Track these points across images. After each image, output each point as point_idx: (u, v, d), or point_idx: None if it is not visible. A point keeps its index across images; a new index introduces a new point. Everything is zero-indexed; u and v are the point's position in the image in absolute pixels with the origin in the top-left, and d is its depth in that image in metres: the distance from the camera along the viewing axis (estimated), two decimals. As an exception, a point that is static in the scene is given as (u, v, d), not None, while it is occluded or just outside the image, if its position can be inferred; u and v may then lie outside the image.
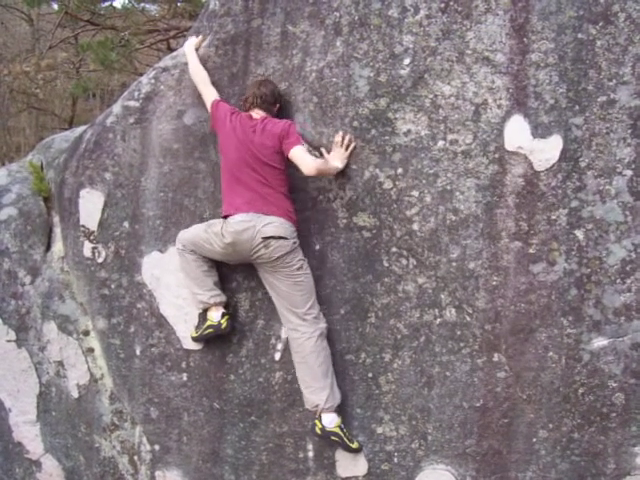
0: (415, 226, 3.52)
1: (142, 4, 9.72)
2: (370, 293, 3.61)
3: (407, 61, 3.53)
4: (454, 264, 3.47)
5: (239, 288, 3.82)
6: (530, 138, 3.38)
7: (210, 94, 3.75)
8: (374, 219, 3.59)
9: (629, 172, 3.29)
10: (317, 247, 3.70)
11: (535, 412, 3.39)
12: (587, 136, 3.33)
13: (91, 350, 4.22)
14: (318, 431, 3.54)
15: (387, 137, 3.56)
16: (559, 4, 3.34)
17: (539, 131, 3.37)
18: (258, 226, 3.45)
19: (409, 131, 3.53)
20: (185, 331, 3.91)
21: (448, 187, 3.48)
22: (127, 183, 4.02)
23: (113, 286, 4.06)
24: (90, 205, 4.10)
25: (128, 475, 4.15)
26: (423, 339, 3.54)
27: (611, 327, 3.30)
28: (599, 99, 3.31)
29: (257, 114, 3.63)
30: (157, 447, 4.01)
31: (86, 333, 4.23)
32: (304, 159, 3.47)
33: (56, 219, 4.39)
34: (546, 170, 3.37)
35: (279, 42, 3.76)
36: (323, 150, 3.63)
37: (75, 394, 4.22)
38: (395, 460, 3.59)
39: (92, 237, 4.10)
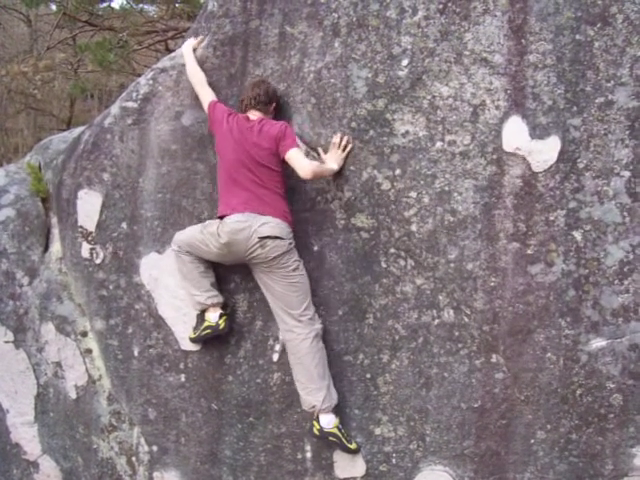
0: (413, 227, 3.53)
1: (140, 5, 9.72)
2: (368, 294, 3.61)
3: (405, 62, 3.53)
4: (452, 265, 3.47)
5: (237, 289, 3.82)
6: (528, 139, 3.38)
7: (207, 95, 3.76)
8: (372, 220, 3.59)
9: (627, 173, 3.29)
10: (315, 248, 3.70)
11: (533, 413, 3.40)
12: (585, 137, 3.33)
13: (89, 351, 4.22)
14: (316, 432, 3.54)
15: (385, 138, 3.56)
16: (557, 5, 3.35)
17: (537, 132, 3.37)
18: (254, 226, 3.46)
19: (407, 132, 3.53)
20: (183, 332, 3.91)
21: (446, 188, 3.48)
22: (125, 184, 4.02)
23: (111, 287, 4.06)
24: (88, 206, 4.10)
25: (126, 476, 4.15)
26: (421, 340, 3.54)
27: (609, 328, 3.31)
28: (597, 100, 3.31)
29: (254, 115, 3.64)
30: (155, 448, 4.01)
31: (84, 334, 4.23)
32: (300, 162, 3.47)
33: (54, 220, 4.38)
34: (544, 171, 3.37)
35: (277, 43, 3.76)
36: (320, 150, 3.64)
37: (73, 395, 4.22)
38: (393, 461, 3.59)
39: (90, 238, 4.09)
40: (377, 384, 3.61)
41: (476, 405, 3.46)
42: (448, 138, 3.48)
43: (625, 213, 3.29)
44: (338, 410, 3.59)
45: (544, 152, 3.36)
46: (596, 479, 3.35)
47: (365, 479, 3.65)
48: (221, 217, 3.58)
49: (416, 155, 3.52)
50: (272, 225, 3.47)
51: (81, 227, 4.12)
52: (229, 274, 3.80)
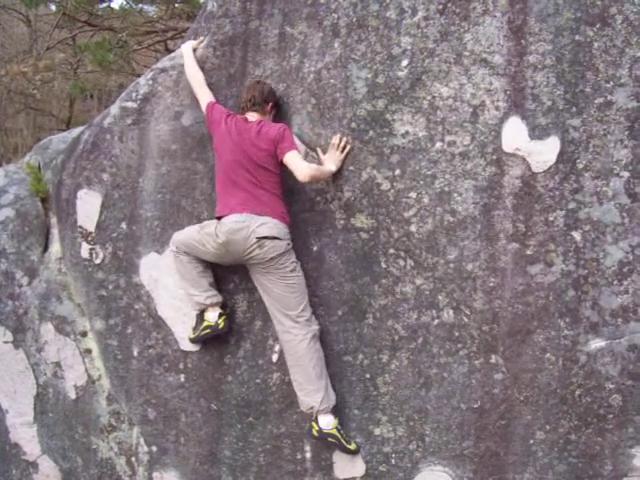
0: (413, 227, 3.53)
1: (140, 5, 9.72)
2: (368, 294, 3.61)
3: (405, 63, 3.53)
4: (452, 265, 3.47)
5: (236, 289, 3.82)
6: (528, 140, 3.38)
7: (205, 96, 3.76)
8: (372, 220, 3.59)
9: (626, 174, 3.29)
10: (315, 248, 3.70)
11: (532, 414, 3.40)
12: (584, 138, 3.33)
13: (89, 351, 4.22)
14: (315, 433, 3.54)
15: (385, 138, 3.56)
16: (557, 6, 3.35)
17: (537, 133, 3.37)
18: (252, 226, 3.46)
19: (407, 132, 3.53)
20: (183, 332, 3.91)
21: (446, 188, 3.48)
22: (125, 184, 4.02)
23: (111, 287, 4.06)
24: (88, 206, 4.10)
25: (125, 476, 4.15)
26: (421, 340, 3.54)
27: (608, 329, 3.31)
28: (596, 101, 3.32)
29: (252, 117, 3.64)
30: (155, 448, 4.01)
31: (83, 334, 4.23)
32: (298, 165, 3.48)
33: (53, 220, 4.38)
34: (543, 172, 3.37)
35: (277, 43, 3.76)
36: (319, 150, 3.64)
37: (72, 395, 4.22)
38: (393, 461, 3.59)
39: (90, 238, 4.09)
40: (377, 384, 3.61)
41: (475, 405, 3.47)
42: (448, 138, 3.48)
43: (624, 214, 3.29)
44: (337, 411, 3.60)
45: (543, 153, 3.36)
46: (595, 479, 3.35)
47: (364, 479, 3.65)
48: (219, 217, 3.58)
49: (416, 155, 3.52)
50: (270, 226, 3.47)
51: (81, 227, 4.12)
52: (228, 274, 3.80)
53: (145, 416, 4.01)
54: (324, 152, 3.63)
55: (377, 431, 3.62)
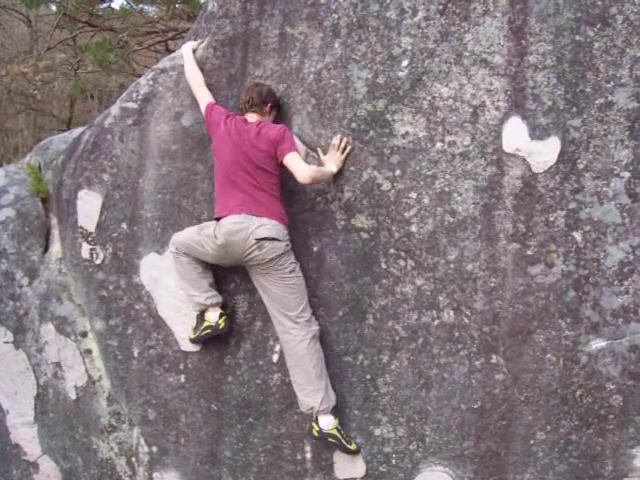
0: (413, 228, 3.53)
1: (140, 5, 9.73)
2: (368, 295, 3.60)
3: (405, 63, 3.53)
4: (452, 266, 3.47)
5: (237, 290, 3.82)
6: (528, 140, 3.38)
7: (205, 97, 3.76)
8: (372, 221, 3.59)
9: (627, 174, 3.29)
10: (315, 249, 3.70)
11: (533, 414, 3.39)
12: (585, 138, 3.33)
13: (89, 352, 4.22)
14: (315, 433, 3.54)
15: (385, 139, 3.56)
16: (557, 6, 3.35)
17: (537, 133, 3.37)
18: (251, 227, 3.46)
19: (407, 133, 3.53)
20: (183, 332, 3.91)
21: (446, 189, 3.48)
22: (125, 184, 4.02)
23: (111, 287, 4.06)
24: (88, 206, 4.10)
25: (126, 477, 4.15)
26: (421, 341, 3.53)
27: (609, 329, 3.31)
28: (597, 101, 3.31)
29: (251, 118, 3.64)
30: (155, 449, 4.01)
31: (84, 334, 4.23)
32: (298, 167, 3.47)
33: (54, 220, 4.38)
34: (544, 172, 3.37)
35: (277, 44, 3.76)
36: (319, 151, 3.64)
37: (73, 396, 4.22)
38: (393, 462, 3.59)
39: (90, 238, 4.09)
40: (377, 385, 3.61)
41: (476, 406, 3.46)
42: (448, 139, 3.48)
43: (625, 214, 3.29)
44: (337, 411, 3.59)
45: (544, 153, 3.36)
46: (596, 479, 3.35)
47: (365, 480, 3.65)
48: (218, 219, 3.58)
49: (416, 156, 3.52)
50: (269, 227, 3.47)
51: (81, 228, 4.12)
52: (229, 275, 3.80)
53: (145, 416, 4.01)
54: (324, 153, 3.63)
55: (377, 431, 3.61)
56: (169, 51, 8.57)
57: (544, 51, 3.36)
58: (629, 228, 3.29)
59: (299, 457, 3.74)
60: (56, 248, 4.35)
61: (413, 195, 3.52)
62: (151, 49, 10.03)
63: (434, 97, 3.50)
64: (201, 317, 3.81)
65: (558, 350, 3.36)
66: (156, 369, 3.97)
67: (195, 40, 3.95)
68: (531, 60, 3.37)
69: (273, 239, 3.46)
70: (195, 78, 3.82)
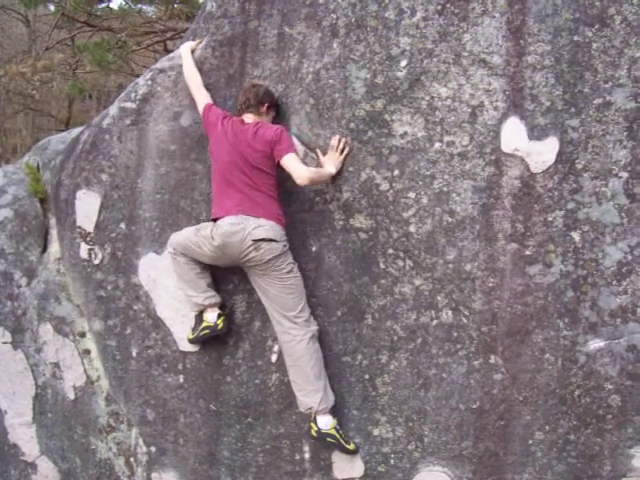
0: (412, 228, 3.53)
1: (139, 5, 9.72)
2: (367, 295, 3.60)
3: (404, 63, 3.54)
4: (450, 266, 3.47)
5: (235, 290, 3.82)
6: (526, 140, 3.38)
7: (202, 98, 3.76)
8: (371, 221, 3.59)
9: (625, 174, 3.29)
10: (314, 249, 3.70)
11: (531, 414, 3.40)
12: (583, 138, 3.33)
13: (87, 352, 4.21)
14: (314, 433, 3.54)
15: (384, 139, 3.56)
16: (555, 6, 3.35)
17: (535, 133, 3.37)
18: (248, 229, 3.45)
19: (406, 133, 3.53)
20: (182, 333, 3.91)
21: (445, 189, 3.48)
22: (123, 184, 4.02)
23: (109, 288, 4.05)
24: (86, 206, 4.10)
25: (124, 477, 4.14)
26: (419, 341, 3.54)
27: (607, 329, 3.31)
28: (595, 101, 3.32)
29: (248, 118, 3.64)
30: (153, 449, 4.01)
31: (82, 335, 4.23)
32: (296, 169, 3.47)
33: (52, 220, 4.38)
34: (542, 172, 3.37)
35: (276, 44, 3.76)
36: (319, 152, 3.64)
37: (71, 396, 4.22)
38: (391, 462, 3.59)
39: (88, 238, 4.09)
40: (375, 385, 3.61)
41: (474, 406, 3.47)
42: (447, 139, 3.48)
43: (623, 214, 3.29)
44: (336, 411, 3.59)
45: (542, 153, 3.36)
46: (594, 479, 3.36)
47: (363, 480, 3.65)
48: (215, 219, 3.58)
49: (415, 156, 3.52)
50: (266, 228, 3.47)
51: (79, 228, 4.12)
52: (227, 275, 3.79)
53: (144, 417, 4.00)
54: (324, 153, 3.63)
55: (376, 431, 3.62)
56: (167, 51, 8.56)
57: (542, 51, 3.36)
58: (627, 228, 3.29)
59: (298, 457, 3.74)
60: (54, 248, 4.35)
61: (412, 195, 3.52)
62: (149, 49, 10.03)
63: (433, 97, 3.50)
64: (199, 317, 3.81)
65: (556, 350, 3.36)
66: (155, 369, 3.97)
67: (194, 40, 3.95)
68: (529, 60, 3.38)
69: (270, 240, 3.46)
70: (193, 78, 3.82)
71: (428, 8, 3.50)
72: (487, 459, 3.46)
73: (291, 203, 3.68)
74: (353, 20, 3.61)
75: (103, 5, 9.68)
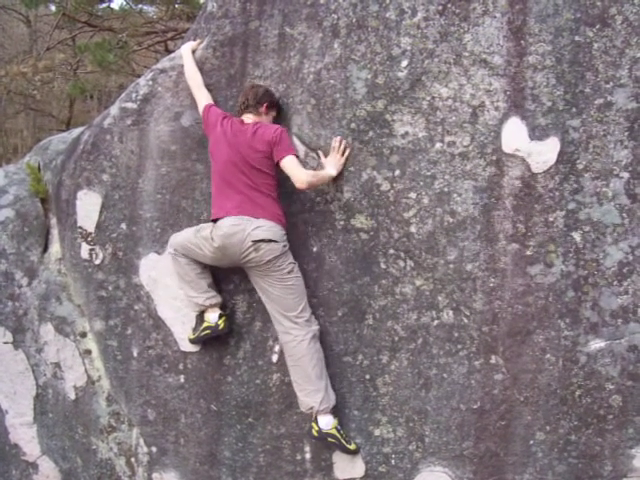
0: (412, 228, 3.53)
1: (140, 6, 9.73)
2: (367, 295, 3.60)
3: (405, 63, 3.54)
4: (451, 266, 3.47)
5: (236, 290, 3.82)
6: (527, 140, 3.38)
7: (203, 98, 3.76)
8: (371, 221, 3.59)
9: (626, 174, 3.29)
10: (315, 249, 3.70)
11: (532, 414, 3.40)
12: (584, 138, 3.33)
13: (88, 352, 4.21)
14: (315, 433, 3.54)
15: (384, 139, 3.56)
16: (556, 7, 3.35)
17: (536, 133, 3.37)
18: (248, 229, 3.45)
19: (406, 133, 3.53)
20: (182, 333, 3.91)
21: (445, 189, 3.48)
22: (124, 185, 4.02)
23: (110, 288, 4.05)
24: (87, 207, 4.10)
25: (125, 477, 4.14)
26: (420, 341, 3.54)
27: (608, 329, 3.31)
28: (596, 101, 3.32)
29: (248, 119, 3.63)
30: (154, 449, 4.01)
31: (83, 335, 4.23)
32: (295, 172, 3.47)
33: (53, 221, 4.38)
34: (543, 172, 3.37)
35: (277, 44, 3.76)
36: (320, 153, 3.63)
37: (72, 396, 4.22)
38: (392, 462, 3.59)
39: (89, 239, 4.09)
40: (376, 385, 3.61)
41: (475, 406, 3.46)
42: (447, 139, 3.48)
43: (624, 214, 3.29)
44: (337, 411, 3.59)
45: (543, 153, 3.36)
46: (595, 480, 3.35)
47: (364, 480, 3.65)
48: (214, 220, 3.57)
49: (415, 156, 3.52)
50: (265, 228, 3.47)
51: (80, 228, 4.12)
52: (228, 275, 3.80)
53: (145, 417, 4.01)
54: (325, 154, 3.62)
55: (377, 432, 3.61)
56: (168, 51, 8.57)
57: (543, 51, 3.36)
58: (628, 228, 3.29)
59: (299, 457, 3.74)
60: (55, 248, 4.35)
61: (412, 195, 3.52)
62: (150, 49, 10.03)
63: (433, 97, 3.50)
64: (200, 318, 3.81)
65: (557, 350, 3.36)
66: (155, 369, 3.97)
67: (194, 40, 3.95)
68: (530, 60, 3.38)
69: (270, 241, 3.45)
70: (194, 78, 3.82)
71: (429, 8, 3.50)
72: (488, 459, 3.46)
73: (292, 203, 3.69)
74: (354, 20, 3.61)
75: (104, 5, 9.69)
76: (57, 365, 4.24)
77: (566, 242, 3.35)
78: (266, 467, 3.80)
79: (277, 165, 3.54)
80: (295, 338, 3.51)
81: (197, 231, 3.63)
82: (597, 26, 3.31)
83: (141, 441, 4.06)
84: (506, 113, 3.41)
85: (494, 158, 3.42)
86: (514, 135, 3.39)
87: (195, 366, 3.90)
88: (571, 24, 3.34)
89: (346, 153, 3.59)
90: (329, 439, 3.52)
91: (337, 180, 3.62)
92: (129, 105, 4.04)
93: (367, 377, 3.62)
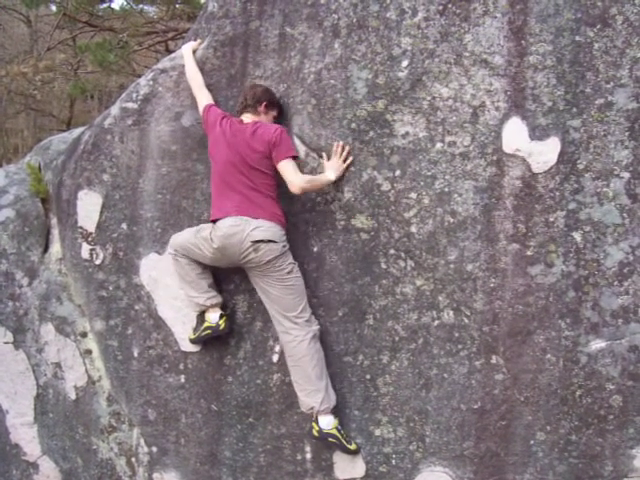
0: (413, 228, 3.53)
1: (140, 6, 9.73)
2: (368, 295, 3.60)
3: (405, 63, 3.54)
4: (452, 266, 3.47)
5: (237, 290, 3.82)
6: (528, 140, 3.38)
7: (203, 98, 3.76)
8: (372, 221, 3.59)
9: (627, 174, 3.29)
10: (315, 249, 3.70)
11: (533, 414, 3.39)
12: (585, 138, 3.33)
13: (89, 352, 4.22)
14: (315, 433, 3.54)
15: (385, 139, 3.56)
16: (557, 7, 3.35)
17: (537, 133, 3.37)
18: (247, 230, 3.45)
19: (407, 133, 3.53)
20: (183, 333, 3.91)
21: (446, 189, 3.48)
22: (125, 185, 4.02)
23: (111, 288, 4.06)
24: (88, 206, 4.10)
25: (126, 477, 4.15)
26: (421, 341, 3.54)
27: (609, 329, 3.31)
28: (597, 102, 3.32)
29: (247, 118, 3.63)
30: (155, 449, 4.01)
31: (84, 335, 4.23)
32: (289, 176, 3.48)
33: (54, 221, 4.39)
34: (544, 172, 3.37)
35: (277, 44, 3.76)
36: (324, 155, 3.63)
37: (73, 396, 4.22)
38: (393, 462, 3.59)
39: (90, 239, 4.10)
40: (377, 385, 3.61)
41: (476, 406, 3.46)
42: (448, 139, 3.48)
43: (625, 214, 3.29)
44: (337, 411, 3.59)
45: (544, 153, 3.36)
46: (596, 480, 3.35)
47: (365, 480, 3.65)
48: (214, 221, 3.57)
49: (416, 156, 3.52)
50: (264, 229, 3.46)
51: (81, 228, 4.12)
52: (229, 275, 3.80)
53: (145, 417, 4.01)
54: (329, 157, 3.61)
55: (377, 432, 3.61)
56: (169, 51, 8.57)
57: (544, 51, 3.36)
58: (629, 229, 3.29)
59: (299, 457, 3.74)
60: (56, 248, 4.35)
61: (413, 195, 3.52)
62: (151, 49, 10.04)
63: (434, 97, 3.50)
64: (201, 318, 3.81)
65: (558, 350, 3.36)
66: (156, 369, 3.97)
67: (195, 40, 3.95)
68: (531, 60, 3.38)
69: (269, 241, 3.45)
70: (195, 78, 3.82)
71: (429, 8, 3.50)
72: (488, 459, 3.46)
73: (292, 203, 3.69)
74: (354, 20, 3.61)
75: (105, 5, 9.70)
76: (58, 365, 4.25)
77: (567, 242, 3.34)
78: (267, 467, 3.80)
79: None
80: (295, 338, 3.51)
81: (197, 232, 3.63)
82: (598, 26, 3.31)
83: (142, 441, 4.06)
84: (507, 113, 3.41)
85: (495, 158, 3.42)
86: (515, 135, 3.39)
87: (196, 366, 3.90)
88: (572, 24, 3.34)
89: (348, 160, 3.58)
90: (330, 439, 3.53)
91: (338, 180, 3.61)
92: (130, 105, 4.04)
93: (368, 377, 3.62)
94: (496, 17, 3.41)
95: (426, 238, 3.50)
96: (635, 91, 3.28)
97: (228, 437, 3.85)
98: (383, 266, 3.58)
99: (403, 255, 3.55)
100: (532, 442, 3.40)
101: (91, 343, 4.21)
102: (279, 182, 3.59)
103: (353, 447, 3.56)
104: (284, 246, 3.52)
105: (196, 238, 3.60)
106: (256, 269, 3.53)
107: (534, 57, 3.37)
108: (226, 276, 3.80)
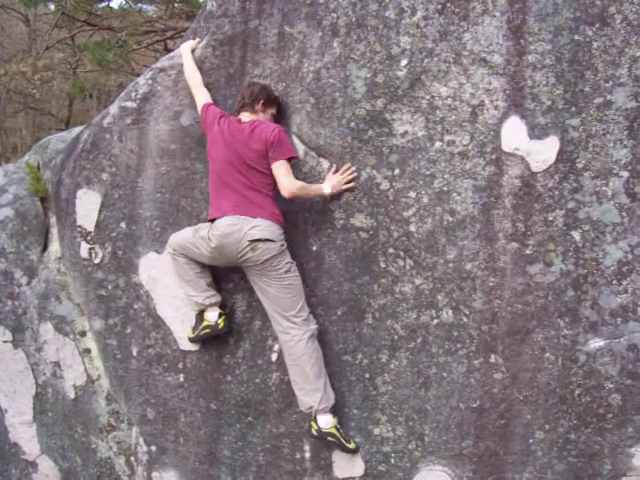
0: (412, 227, 3.53)
1: (139, 5, 9.73)
2: (367, 294, 3.61)
3: (404, 62, 3.54)
4: (451, 265, 3.47)
5: (236, 289, 3.82)
6: (527, 139, 3.38)
7: (202, 97, 3.76)
8: (371, 220, 3.59)
9: (625, 173, 3.29)
10: (314, 248, 3.70)
11: (532, 413, 3.40)
12: (584, 137, 3.33)
13: (88, 351, 4.22)
14: (314, 432, 3.54)
15: (384, 138, 3.56)
16: (556, 6, 3.35)
17: (536, 132, 3.37)
18: (244, 229, 3.45)
19: (406, 132, 3.53)
20: (182, 332, 3.91)
21: (445, 188, 3.48)
22: (124, 184, 4.02)
23: (110, 287, 4.05)
24: (87, 206, 4.10)
25: (125, 476, 4.15)
26: (420, 340, 3.54)
27: (607, 328, 3.31)
28: (595, 101, 3.32)
29: (245, 117, 3.63)
30: (154, 448, 4.01)
31: (83, 334, 4.23)
32: (281, 179, 3.48)
33: (53, 220, 4.38)
34: (543, 171, 3.37)
35: (276, 43, 3.76)
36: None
37: (72, 395, 4.22)
38: (392, 461, 3.59)
39: (89, 238, 4.09)
40: (376, 384, 3.61)
41: (475, 405, 3.47)
42: (447, 138, 3.48)
43: (624, 213, 3.29)
44: (336, 410, 3.59)
45: (543, 152, 3.36)
46: (594, 479, 3.35)
47: (364, 479, 3.65)
48: (212, 220, 3.57)
49: (415, 155, 3.52)
50: (262, 228, 3.46)
51: (80, 227, 4.12)
52: (228, 274, 3.80)
53: (144, 416, 4.01)
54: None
55: (376, 431, 3.62)
56: (168, 50, 8.57)
57: (543, 50, 3.36)
58: (628, 227, 3.29)
59: (298, 456, 3.74)
60: (55, 247, 4.35)
61: (412, 194, 3.53)
62: (150, 48, 10.03)
63: (433, 96, 3.50)
64: (200, 317, 3.81)
65: (557, 349, 3.36)
66: (155, 368, 3.97)
67: (194, 39, 3.95)
68: (530, 59, 3.38)
69: (267, 240, 3.45)
70: (194, 77, 3.82)
71: (428, 7, 3.50)
72: (487, 458, 3.46)
73: (291, 202, 3.68)
74: (353, 19, 3.61)
75: (103, 4, 9.71)
76: (57, 364, 4.24)
77: (565, 241, 3.35)
78: (265, 466, 3.80)
79: None
80: (293, 338, 3.51)
81: (195, 231, 3.63)
82: (596, 25, 3.31)
83: (141, 440, 4.06)
84: (505, 112, 3.41)
85: (494, 157, 3.42)
86: (514, 134, 3.39)
87: (195, 365, 3.90)
88: (570, 23, 3.34)
89: (350, 185, 3.58)
90: (328, 438, 3.53)
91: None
92: (128, 104, 4.04)
93: (366, 376, 3.62)
94: (495, 16, 3.41)
95: (425, 237, 3.51)
96: (634, 90, 3.28)
97: (227, 436, 3.85)
98: (382, 265, 3.58)
99: (402, 254, 3.55)
100: (531, 441, 3.40)
101: (90, 342, 4.21)
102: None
103: (352, 446, 3.56)
104: (282, 245, 3.51)
105: (194, 237, 3.60)
106: (254, 268, 3.53)
107: (533, 56, 3.37)
108: (225, 275, 3.80)
